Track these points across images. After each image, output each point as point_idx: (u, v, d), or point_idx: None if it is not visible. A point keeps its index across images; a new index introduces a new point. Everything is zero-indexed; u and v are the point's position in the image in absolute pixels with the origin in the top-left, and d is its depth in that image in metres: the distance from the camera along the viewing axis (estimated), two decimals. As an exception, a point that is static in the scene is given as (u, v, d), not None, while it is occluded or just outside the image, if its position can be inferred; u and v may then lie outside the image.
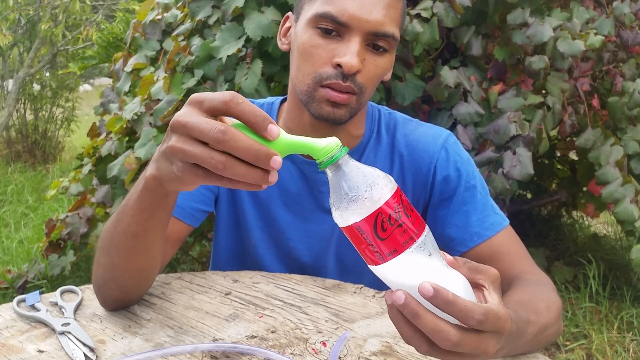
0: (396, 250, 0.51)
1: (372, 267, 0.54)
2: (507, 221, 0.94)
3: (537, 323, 0.70)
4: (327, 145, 0.52)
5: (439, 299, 0.50)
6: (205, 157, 0.51)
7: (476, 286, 0.56)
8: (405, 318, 0.53)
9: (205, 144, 0.52)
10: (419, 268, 0.52)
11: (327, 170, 0.53)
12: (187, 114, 0.53)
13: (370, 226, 0.51)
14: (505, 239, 0.92)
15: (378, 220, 0.50)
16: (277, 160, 0.51)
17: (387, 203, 0.51)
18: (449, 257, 0.55)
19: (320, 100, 0.83)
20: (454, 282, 0.53)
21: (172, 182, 0.58)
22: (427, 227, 0.54)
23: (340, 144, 0.53)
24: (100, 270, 0.78)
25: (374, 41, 0.83)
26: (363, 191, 0.51)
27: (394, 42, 0.84)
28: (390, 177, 0.53)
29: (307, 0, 0.86)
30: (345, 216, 0.52)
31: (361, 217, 0.51)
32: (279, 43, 0.95)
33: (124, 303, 0.82)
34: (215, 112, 0.53)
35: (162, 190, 0.63)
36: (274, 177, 0.53)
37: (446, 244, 0.96)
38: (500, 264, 0.90)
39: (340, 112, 0.84)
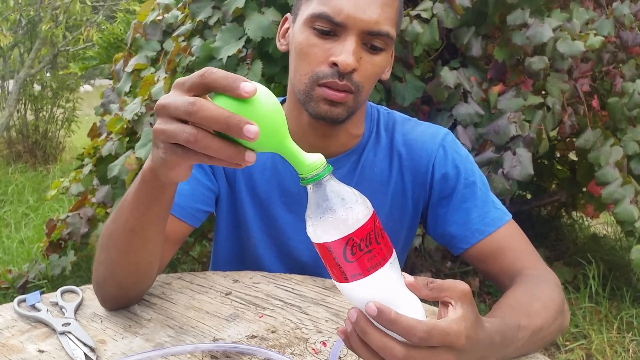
0: (361, 274, 0.53)
1: (336, 283, 0.55)
2: (509, 216, 0.94)
3: (530, 327, 0.71)
4: (313, 162, 0.52)
5: (382, 318, 0.52)
6: (177, 132, 0.52)
7: (444, 304, 0.57)
8: (363, 342, 0.55)
9: (185, 122, 0.52)
10: (380, 290, 0.54)
11: (308, 187, 0.53)
12: (168, 96, 0.54)
13: (340, 248, 0.52)
14: (507, 234, 0.92)
15: (349, 244, 0.52)
16: (252, 130, 0.49)
17: (360, 229, 0.52)
18: (409, 278, 0.56)
19: (317, 99, 0.84)
20: (413, 303, 0.55)
21: (162, 168, 0.59)
22: (394, 252, 0.55)
23: (326, 162, 0.53)
24: (100, 268, 0.78)
25: (369, 40, 0.83)
26: (339, 215, 0.52)
27: (389, 40, 0.84)
28: (368, 201, 0.54)
29: (304, 1, 0.86)
30: (318, 233, 0.53)
31: (333, 238, 0.52)
32: (277, 44, 0.95)
33: (123, 302, 0.82)
34: (196, 89, 0.53)
35: (157, 182, 0.64)
36: (250, 157, 0.52)
37: (448, 242, 0.96)
38: (502, 259, 0.90)
39: (338, 111, 0.84)
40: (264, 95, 0.52)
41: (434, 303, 0.62)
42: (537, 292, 0.79)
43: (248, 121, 0.49)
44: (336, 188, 0.53)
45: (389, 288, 0.54)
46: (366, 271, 0.52)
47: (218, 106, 0.51)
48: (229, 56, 1.76)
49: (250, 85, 0.50)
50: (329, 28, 0.82)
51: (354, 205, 0.52)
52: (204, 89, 0.53)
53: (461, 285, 0.57)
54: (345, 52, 0.80)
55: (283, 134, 0.53)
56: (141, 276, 0.79)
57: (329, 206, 0.52)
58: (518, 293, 0.79)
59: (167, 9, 2.22)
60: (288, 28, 0.93)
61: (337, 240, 0.52)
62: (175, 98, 0.53)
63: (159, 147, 0.56)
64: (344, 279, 0.54)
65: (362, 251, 0.52)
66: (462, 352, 0.55)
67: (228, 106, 0.51)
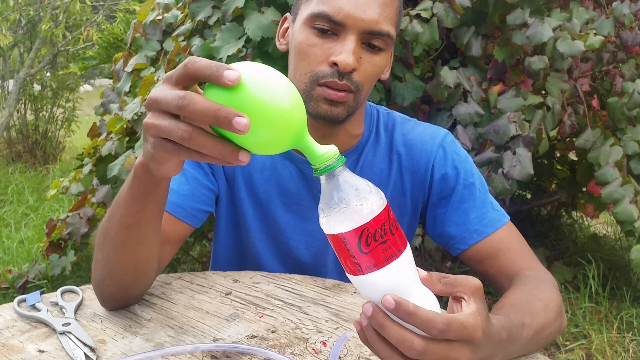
0: (376, 265, 0.52)
1: (350, 276, 0.55)
2: (508, 217, 0.94)
3: (533, 325, 0.71)
4: (327, 152, 0.52)
5: (400, 311, 0.52)
6: (172, 129, 0.51)
7: (457, 299, 0.57)
8: (379, 336, 0.54)
9: (177, 117, 0.52)
10: (394, 283, 0.53)
11: (322, 177, 0.53)
12: (158, 90, 0.53)
13: (355, 239, 0.52)
14: (505, 235, 0.92)
15: (364, 234, 0.51)
16: (241, 122, 0.47)
17: (375, 219, 0.51)
18: (423, 273, 0.56)
19: (317, 99, 0.84)
20: (427, 297, 0.55)
21: (152, 163, 0.58)
22: (408, 244, 0.55)
23: (339, 153, 0.52)
24: (98, 267, 0.78)
25: (369, 40, 0.83)
26: (353, 204, 0.51)
27: (389, 40, 0.85)
28: (382, 192, 0.54)
29: (303, 1, 0.87)
30: (332, 224, 0.52)
31: (348, 229, 0.52)
32: (277, 44, 0.95)
33: (123, 301, 0.82)
34: (183, 81, 0.52)
35: (150, 177, 0.64)
36: (244, 156, 0.51)
37: (446, 242, 0.96)
38: (500, 260, 0.90)
39: (338, 110, 0.84)
40: (260, 80, 0.50)
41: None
42: (538, 293, 0.79)
43: (237, 113, 0.48)
44: (349, 179, 0.52)
45: (404, 280, 0.54)
46: (381, 262, 0.52)
47: (208, 99, 0.49)
48: (228, 56, 1.76)
49: (233, 73, 0.48)
50: (329, 27, 0.82)
51: (368, 195, 0.52)
52: (190, 80, 0.52)
53: (473, 281, 0.57)
54: (345, 51, 0.80)
55: (295, 124, 0.51)
56: (139, 274, 0.79)
57: (343, 197, 0.52)
58: (519, 293, 0.79)
59: (166, 8, 2.22)
60: (287, 28, 0.93)
61: (352, 231, 0.51)
62: (165, 92, 0.52)
63: (149, 142, 0.55)
64: (358, 271, 0.53)
65: (377, 242, 0.52)
66: (478, 347, 0.56)
67: (220, 98, 0.49)
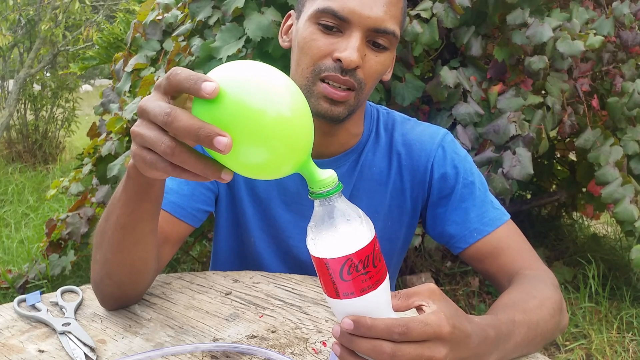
0: (353, 294, 0.53)
1: (326, 297, 0.56)
2: (508, 216, 0.94)
3: (526, 322, 0.71)
4: (327, 178, 0.52)
5: (360, 328, 0.53)
6: (155, 141, 0.50)
7: (418, 309, 0.58)
8: (352, 353, 0.55)
9: (164, 129, 0.51)
10: (368, 310, 0.54)
11: (316, 201, 0.53)
12: (149, 98, 0.53)
13: (338, 266, 0.52)
14: (505, 234, 0.92)
15: (347, 264, 0.52)
16: (221, 142, 0.45)
17: (360, 251, 0.52)
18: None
19: (318, 96, 0.83)
20: None
21: (138, 167, 0.57)
22: (387, 276, 0.56)
23: (337, 180, 0.52)
24: (96, 267, 0.78)
25: (374, 38, 0.83)
26: (342, 234, 0.52)
27: (394, 39, 0.84)
28: (372, 224, 0.54)
29: None
30: (318, 248, 0.53)
31: (333, 256, 0.52)
32: (280, 40, 0.95)
33: (122, 301, 0.82)
34: (170, 92, 0.52)
35: (143, 178, 0.64)
36: (227, 175, 0.50)
37: (447, 242, 0.96)
38: (500, 259, 0.90)
39: (338, 110, 0.84)
40: (249, 88, 0.46)
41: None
42: (534, 291, 0.79)
43: (218, 132, 0.45)
44: (343, 207, 0.53)
45: (376, 309, 0.55)
46: (359, 292, 0.53)
47: (192, 116, 0.47)
48: (228, 56, 1.76)
49: (210, 85, 0.45)
50: (334, 24, 0.82)
51: (358, 227, 0.52)
52: (175, 92, 0.51)
53: (426, 286, 0.58)
54: (350, 48, 0.80)
55: (297, 138, 0.50)
56: (137, 275, 0.79)
57: (334, 224, 0.52)
58: (514, 293, 0.79)
59: (166, 8, 2.22)
60: (291, 25, 0.93)
61: (336, 259, 0.52)
62: (154, 104, 0.51)
63: (132, 149, 0.55)
64: (335, 294, 0.54)
65: (359, 272, 0.52)
66: (454, 343, 0.56)
67: (205, 112, 0.47)
